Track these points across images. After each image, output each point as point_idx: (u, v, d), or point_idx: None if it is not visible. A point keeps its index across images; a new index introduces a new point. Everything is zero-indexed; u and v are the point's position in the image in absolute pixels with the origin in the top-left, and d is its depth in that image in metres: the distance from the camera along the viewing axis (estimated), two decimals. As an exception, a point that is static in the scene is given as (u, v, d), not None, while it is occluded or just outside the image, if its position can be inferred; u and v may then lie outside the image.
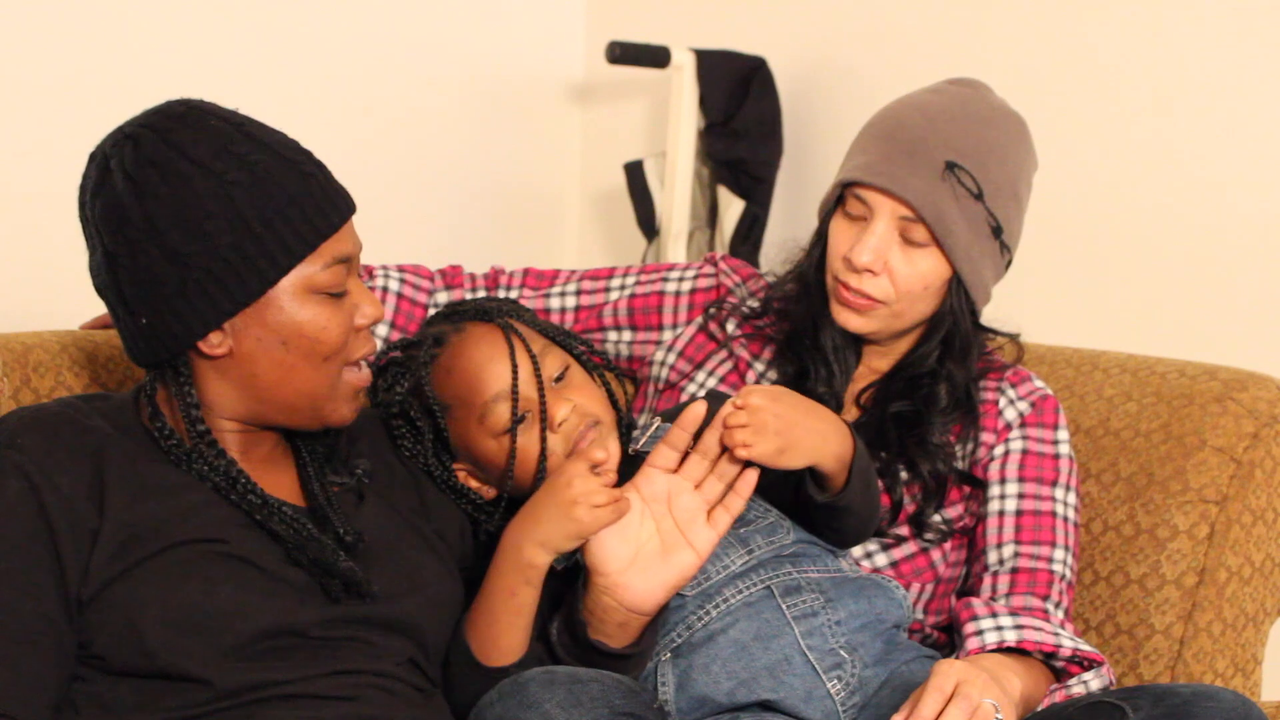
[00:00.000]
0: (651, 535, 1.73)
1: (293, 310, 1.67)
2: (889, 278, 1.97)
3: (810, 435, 1.77)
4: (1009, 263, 2.04)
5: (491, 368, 1.86)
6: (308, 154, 1.73)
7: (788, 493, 1.85)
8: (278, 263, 1.66)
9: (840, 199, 2.02)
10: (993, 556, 2.00)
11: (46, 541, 1.61)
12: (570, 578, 1.76)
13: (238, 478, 1.69)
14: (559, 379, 1.87)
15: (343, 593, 1.68)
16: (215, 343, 1.68)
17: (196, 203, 1.64)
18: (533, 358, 1.86)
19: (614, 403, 1.92)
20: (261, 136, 1.70)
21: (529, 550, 1.73)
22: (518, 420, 1.84)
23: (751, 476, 1.72)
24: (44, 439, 1.65)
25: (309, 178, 1.69)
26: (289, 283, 1.67)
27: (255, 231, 1.65)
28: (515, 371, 1.85)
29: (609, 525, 1.71)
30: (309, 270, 1.67)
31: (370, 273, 2.17)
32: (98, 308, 2.06)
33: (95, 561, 1.62)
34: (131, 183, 1.65)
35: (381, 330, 2.14)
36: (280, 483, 1.75)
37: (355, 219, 1.76)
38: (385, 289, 2.16)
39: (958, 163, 1.95)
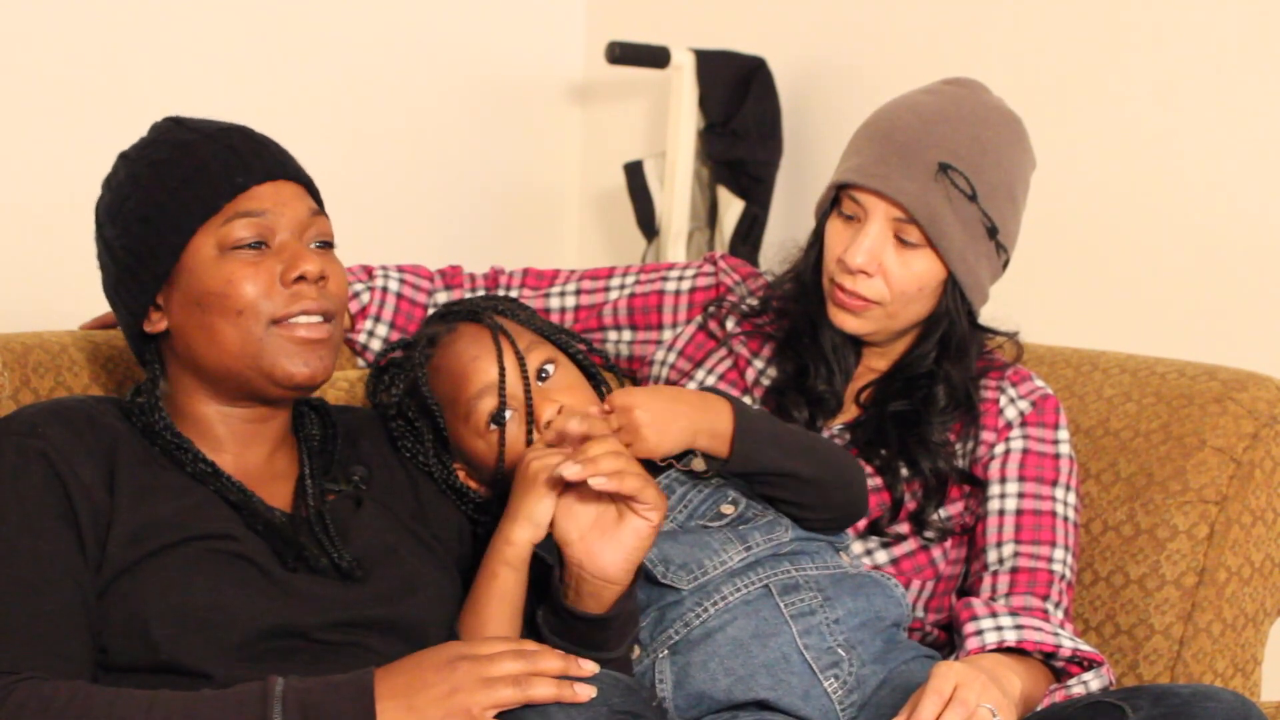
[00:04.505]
0: (610, 504, 1.73)
1: (205, 271, 1.70)
2: (883, 279, 1.98)
3: (676, 420, 1.80)
4: (1006, 263, 2.04)
5: (476, 366, 1.87)
6: (247, 132, 1.77)
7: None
8: (181, 227, 1.70)
9: (835, 200, 2.02)
10: (992, 556, 2.00)
11: (74, 526, 1.63)
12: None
13: (185, 446, 1.71)
14: (543, 376, 1.87)
15: (296, 561, 1.69)
16: (155, 320, 1.74)
17: (118, 190, 1.75)
18: (519, 356, 1.86)
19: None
20: (198, 124, 1.76)
21: (503, 528, 1.75)
22: (501, 416, 1.85)
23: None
24: (65, 429, 1.67)
25: (230, 149, 1.73)
26: (200, 245, 1.71)
27: (161, 203, 1.71)
28: (502, 371, 1.85)
29: (562, 482, 1.71)
30: (216, 229, 1.70)
31: (370, 273, 2.18)
32: (98, 308, 2.07)
33: (109, 552, 1.64)
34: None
35: (381, 330, 2.15)
36: (277, 492, 1.76)
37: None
38: (385, 289, 2.16)
39: (951, 164, 1.95)
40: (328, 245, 1.77)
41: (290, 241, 1.72)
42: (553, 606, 1.75)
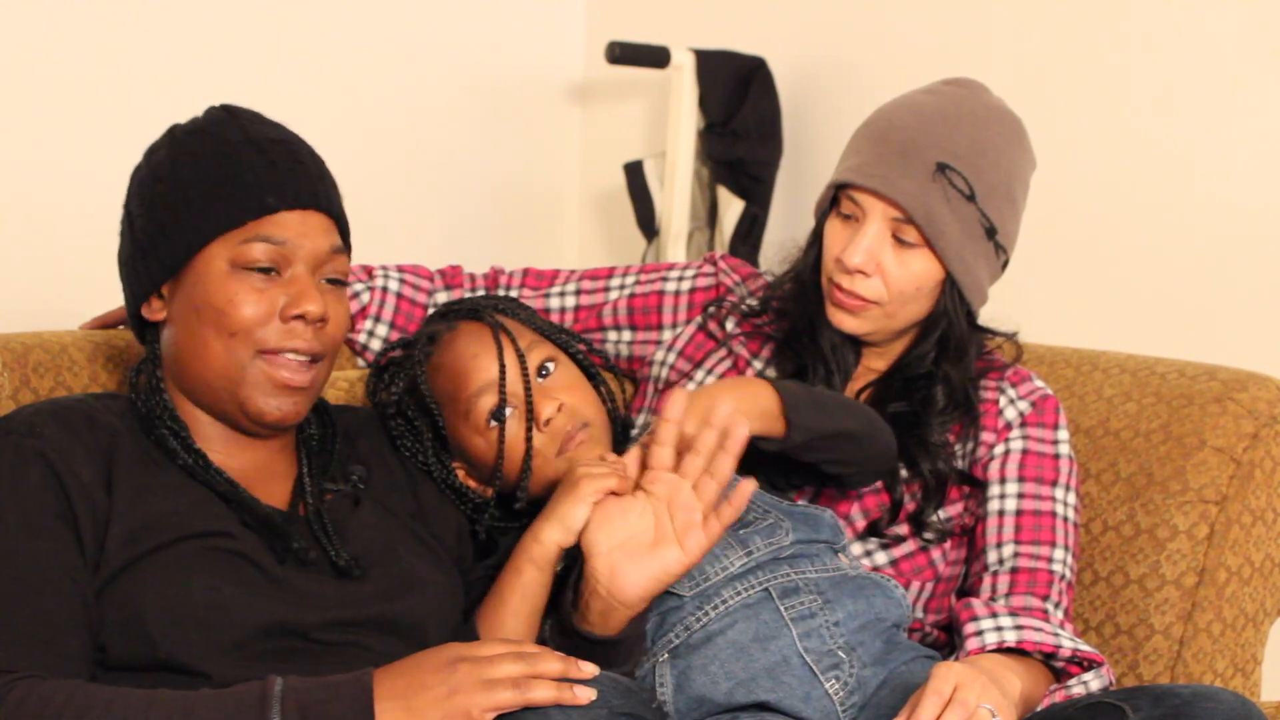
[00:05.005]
0: (648, 528, 1.73)
1: (211, 282, 1.70)
2: (881, 279, 1.98)
3: None
4: (1005, 264, 2.04)
5: (476, 363, 1.88)
6: (293, 149, 1.75)
7: (779, 472, 1.90)
8: (202, 231, 1.70)
9: (835, 200, 2.02)
10: (992, 556, 2.00)
11: (72, 526, 1.63)
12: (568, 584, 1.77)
13: (179, 433, 1.71)
14: (543, 373, 1.88)
15: (286, 553, 1.69)
16: (156, 308, 1.74)
17: (155, 171, 1.74)
18: (519, 354, 1.86)
19: (610, 400, 1.93)
20: (251, 123, 1.75)
21: (536, 527, 1.75)
22: (501, 413, 1.85)
23: (747, 488, 1.72)
24: (63, 429, 1.68)
25: (271, 164, 1.72)
26: (214, 254, 1.70)
27: (190, 199, 1.70)
28: (503, 368, 1.85)
29: (605, 488, 1.73)
30: (234, 244, 1.70)
31: (370, 273, 2.18)
32: (98, 308, 2.07)
33: (107, 551, 1.64)
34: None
35: (381, 330, 2.15)
36: (275, 491, 1.77)
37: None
38: (385, 289, 2.16)
39: (949, 164, 1.95)
40: (339, 283, 1.76)
41: (302, 275, 1.72)
42: (560, 626, 1.75)
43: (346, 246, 1.78)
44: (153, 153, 1.76)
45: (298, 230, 1.72)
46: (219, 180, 1.70)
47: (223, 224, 1.70)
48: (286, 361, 1.71)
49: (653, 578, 1.72)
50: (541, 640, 1.77)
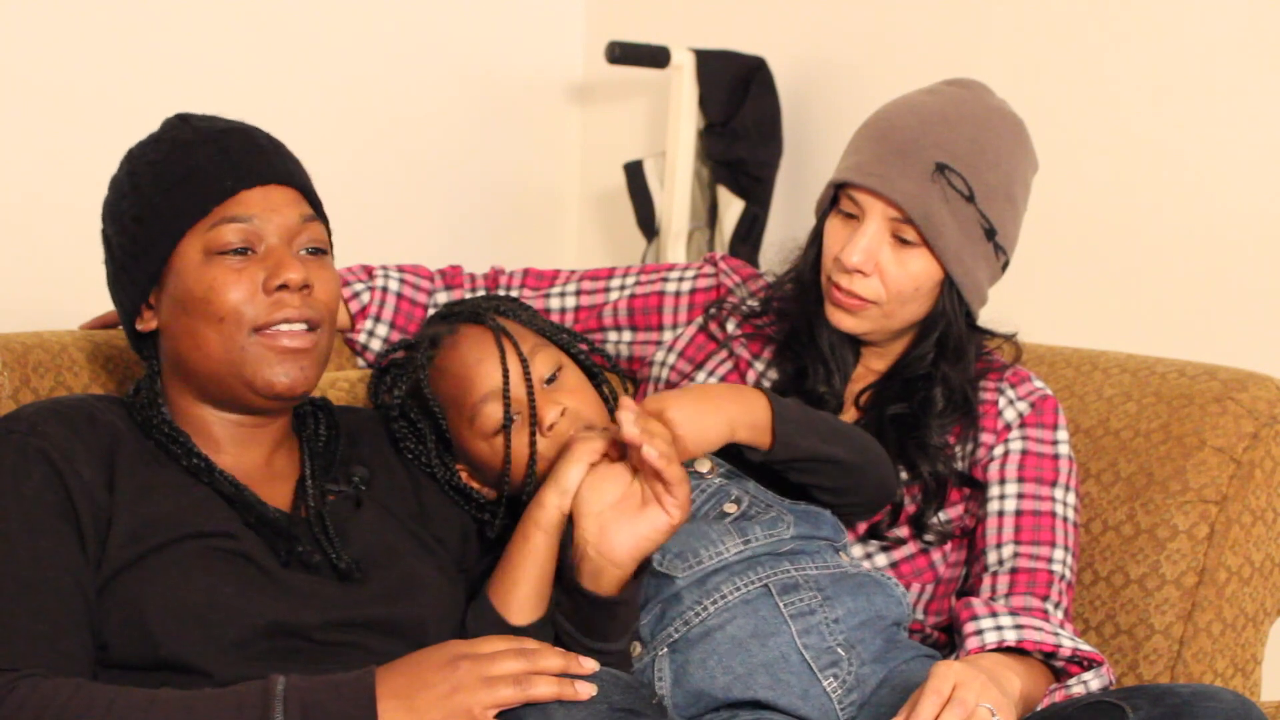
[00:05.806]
0: (637, 492, 1.75)
1: (190, 275, 1.71)
2: (880, 278, 1.98)
3: (712, 415, 1.81)
4: (1005, 265, 2.04)
5: (480, 369, 1.88)
6: (246, 133, 1.77)
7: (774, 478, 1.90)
8: (170, 230, 1.71)
9: (835, 199, 2.02)
10: (992, 557, 2.00)
11: (74, 524, 1.64)
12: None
13: (177, 439, 1.72)
14: (550, 380, 1.88)
15: (289, 554, 1.70)
16: (147, 319, 1.75)
17: (118, 188, 1.76)
18: (522, 359, 1.86)
19: (613, 400, 1.93)
20: (203, 123, 1.77)
21: (542, 493, 1.77)
22: (509, 421, 1.85)
23: (625, 403, 1.73)
24: (65, 428, 1.68)
25: (224, 151, 1.73)
26: (187, 248, 1.71)
27: (155, 204, 1.72)
28: (506, 374, 1.85)
29: (598, 449, 1.76)
30: (203, 233, 1.71)
31: (370, 273, 2.18)
32: (98, 308, 2.07)
33: (109, 550, 1.64)
34: None
35: (381, 330, 2.15)
36: (277, 492, 1.77)
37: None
38: (385, 289, 2.16)
39: (948, 164, 1.95)
40: (320, 252, 1.77)
41: (277, 248, 1.72)
42: (564, 587, 1.76)
43: (320, 217, 1.79)
44: (115, 176, 1.78)
45: (262, 205, 1.73)
46: (177, 179, 1.72)
47: (188, 218, 1.71)
48: (282, 332, 1.72)
49: (642, 536, 1.74)
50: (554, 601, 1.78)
